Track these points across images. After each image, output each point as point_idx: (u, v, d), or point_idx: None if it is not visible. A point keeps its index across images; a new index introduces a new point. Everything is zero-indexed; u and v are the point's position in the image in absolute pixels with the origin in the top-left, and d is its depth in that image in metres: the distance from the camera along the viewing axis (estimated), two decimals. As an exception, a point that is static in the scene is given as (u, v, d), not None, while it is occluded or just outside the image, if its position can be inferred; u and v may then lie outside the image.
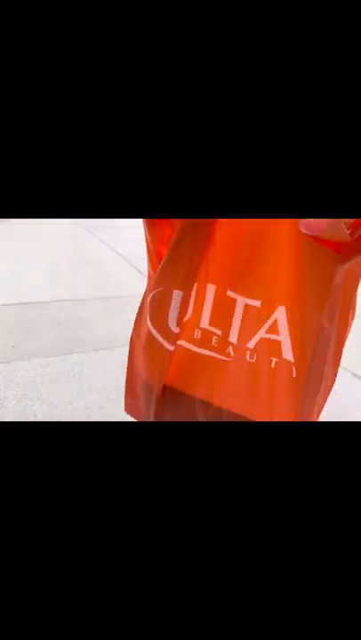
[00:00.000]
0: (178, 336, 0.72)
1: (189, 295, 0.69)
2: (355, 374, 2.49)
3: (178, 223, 0.66)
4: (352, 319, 0.68)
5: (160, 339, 0.73)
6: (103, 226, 4.57)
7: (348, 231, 0.54)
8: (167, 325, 0.72)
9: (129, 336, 0.82)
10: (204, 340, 0.71)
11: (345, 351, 0.70)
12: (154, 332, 0.73)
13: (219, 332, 0.70)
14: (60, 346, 2.46)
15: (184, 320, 0.71)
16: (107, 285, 3.28)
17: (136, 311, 0.78)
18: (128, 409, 0.88)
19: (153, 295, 0.73)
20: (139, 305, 0.77)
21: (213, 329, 0.71)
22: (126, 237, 4.12)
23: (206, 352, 0.72)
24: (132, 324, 0.80)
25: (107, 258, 3.84)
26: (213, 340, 0.71)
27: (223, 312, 0.69)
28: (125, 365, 0.85)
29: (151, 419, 0.79)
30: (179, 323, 0.71)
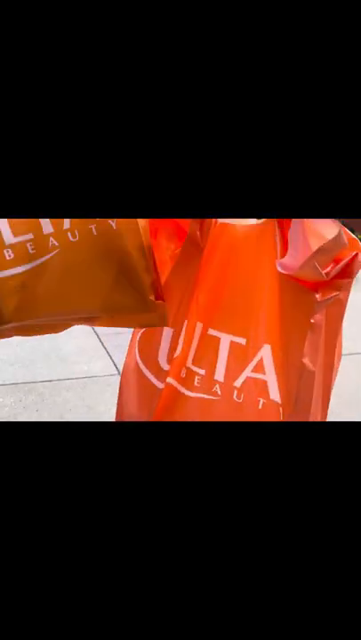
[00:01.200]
0: (168, 373, 0.75)
1: (180, 331, 0.73)
2: None
3: (166, 263, 0.69)
4: (338, 362, 0.72)
5: (149, 375, 0.75)
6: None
7: (324, 271, 0.61)
8: (157, 362, 0.74)
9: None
10: (187, 380, 0.75)
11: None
12: (143, 369, 0.76)
13: (202, 372, 0.75)
14: None
15: (174, 357, 0.73)
16: (50, 358, 1.92)
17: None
18: None
19: (142, 332, 0.76)
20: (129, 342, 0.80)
21: (196, 368, 0.75)
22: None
23: (191, 393, 0.76)
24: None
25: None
26: (196, 381, 0.75)
27: (206, 350, 0.74)
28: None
29: None
30: (169, 360, 0.73)
